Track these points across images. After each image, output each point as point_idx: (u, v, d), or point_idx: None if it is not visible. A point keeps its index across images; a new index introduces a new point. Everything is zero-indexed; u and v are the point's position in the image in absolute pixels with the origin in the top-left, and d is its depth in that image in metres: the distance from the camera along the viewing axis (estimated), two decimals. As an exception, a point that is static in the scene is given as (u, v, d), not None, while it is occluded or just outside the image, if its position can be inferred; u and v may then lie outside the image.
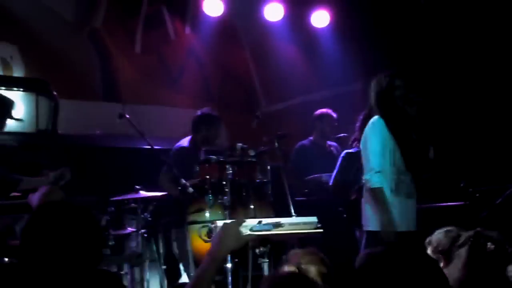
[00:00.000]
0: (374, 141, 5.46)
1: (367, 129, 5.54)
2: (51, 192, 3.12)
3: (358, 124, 6.42)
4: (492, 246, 3.22)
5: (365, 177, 5.46)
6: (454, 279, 3.17)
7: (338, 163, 6.81)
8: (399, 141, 5.45)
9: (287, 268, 3.27)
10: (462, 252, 3.34)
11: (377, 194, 5.37)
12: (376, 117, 5.53)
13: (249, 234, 3.02)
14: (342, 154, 6.79)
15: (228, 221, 3.09)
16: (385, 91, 5.49)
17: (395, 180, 5.42)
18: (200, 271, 2.91)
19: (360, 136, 6.26)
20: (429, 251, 4.43)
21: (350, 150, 6.60)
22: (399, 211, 5.39)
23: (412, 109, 5.48)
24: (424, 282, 1.82)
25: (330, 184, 6.96)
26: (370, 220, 5.53)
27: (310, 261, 3.35)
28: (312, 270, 3.25)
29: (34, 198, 3.12)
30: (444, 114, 8.41)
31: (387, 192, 5.39)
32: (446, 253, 4.32)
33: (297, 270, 3.11)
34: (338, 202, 7.17)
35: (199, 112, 7.35)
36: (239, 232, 3.07)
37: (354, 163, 6.42)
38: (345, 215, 6.94)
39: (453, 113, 8.47)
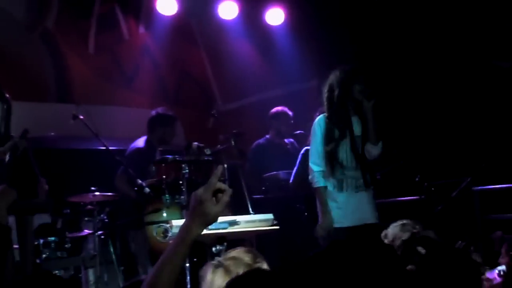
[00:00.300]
0: (315, 141, 5.54)
1: (312, 129, 5.61)
2: (4, 193, 3.06)
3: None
4: (423, 251, 3.24)
5: (309, 177, 5.54)
6: None
7: (298, 160, 6.83)
8: (346, 137, 5.50)
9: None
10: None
11: (318, 194, 5.48)
12: (319, 116, 5.61)
13: (224, 200, 2.44)
14: (302, 151, 6.80)
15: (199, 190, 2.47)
16: (343, 85, 5.53)
17: (338, 177, 5.48)
18: (168, 249, 2.48)
19: None
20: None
21: (309, 147, 6.63)
22: (344, 206, 5.45)
23: (369, 104, 5.52)
24: (376, 271, 1.80)
25: (291, 181, 6.97)
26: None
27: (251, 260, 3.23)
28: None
29: None
30: (398, 108, 8.48)
31: (331, 189, 5.47)
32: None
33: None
34: (296, 199, 7.20)
35: (154, 112, 7.31)
36: (213, 203, 2.47)
37: None
38: (305, 212, 6.97)
39: (407, 108, 8.54)
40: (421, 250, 3.20)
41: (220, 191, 2.46)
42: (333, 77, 5.60)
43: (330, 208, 5.43)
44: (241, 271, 2.78)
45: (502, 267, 4.81)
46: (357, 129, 5.60)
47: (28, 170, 4.69)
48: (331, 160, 5.47)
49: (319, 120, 5.58)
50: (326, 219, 5.44)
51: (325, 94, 5.64)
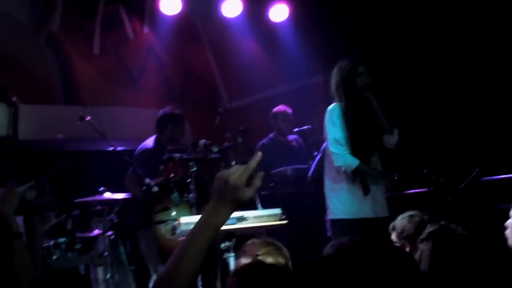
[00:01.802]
0: (332, 129, 5.51)
1: (325, 117, 5.59)
2: (6, 196, 3.07)
3: None
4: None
5: (338, 164, 5.49)
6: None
7: (319, 155, 6.77)
8: (357, 128, 5.50)
9: (244, 260, 3.22)
10: (426, 246, 3.34)
11: (362, 170, 5.45)
12: (333, 104, 5.59)
13: (259, 178, 2.20)
14: (323, 146, 6.73)
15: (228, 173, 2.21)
16: (347, 77, 5.54)
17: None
18: (189, 235, 2.21)
19: None
20: (393, 236, 4.45)
21: None
22: (360, 197, 5.46)
23: (369, 94, 5.54)
24: (397, 273, 1.78)
25: (309, 174, 6.95)
26: (329, 209, 5.61)
27: (267, 252, 3.32)
28: (269, 261, 3.21)
29: None
30: (405, 101, 8.46)
31: (329, 182, 5.51)
32: (411, 238, 4.35)
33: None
34: (305, 195, 7.21)
35: (162, 112, 7.34)
36: (246, 179, 2.22)
37: None
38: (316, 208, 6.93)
39: (414, 100, 8.52)
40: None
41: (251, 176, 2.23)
42: (335, 73, 5.61)
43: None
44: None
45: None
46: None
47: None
48: (351, 148, 5.48)
49: (334, 107, 5.57)
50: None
51: (333, 90, 5.65)
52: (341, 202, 5.51)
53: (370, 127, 5.55)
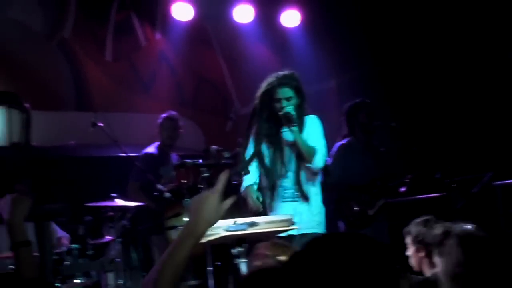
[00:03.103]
0: (322, 136, 5.52)
1: (318, 124, 5.51)
2: (18, 202, 3.07)
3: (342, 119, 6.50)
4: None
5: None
6: (446, 272, 3.13)
7: (331, 160, 6.74)
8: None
9: (257, 263, 3.24)
10: (451, 249, 3.29)
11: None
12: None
13: (228, 202, 2.52)
14: (332, 151, 6.70)
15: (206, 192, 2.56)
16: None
17: None
18: (172, 246, 2.45)
19: (347, 129, 6.34)
20: (408, 240, 4.45)
21: (344, 141, 6.60)
22: None
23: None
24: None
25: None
26: None
27: (277, 251, 3.33)
28: (282, 259, 3.23)
29: (3, 208, 3.07)
30: (417, 106, 8.44)
31: None
32: (426, 243, 4.34)
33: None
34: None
35: (160, 119, 7.41)
36: (218, 202, 2.52)
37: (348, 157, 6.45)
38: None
39: (425, 105, 8.50)
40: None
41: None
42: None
43: None
44: None
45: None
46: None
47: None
48: None
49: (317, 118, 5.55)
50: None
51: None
52: None
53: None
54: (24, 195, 3.06)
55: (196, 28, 9.51)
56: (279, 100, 5.32)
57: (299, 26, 9.76)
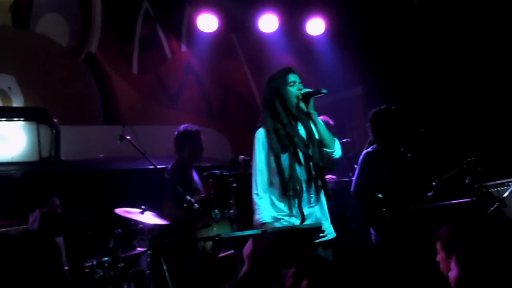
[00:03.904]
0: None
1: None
2: (47, 216, 3.10)
3: (368, 126, 6.46)
4: None
5: None
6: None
7: (357, 168, 6.68)
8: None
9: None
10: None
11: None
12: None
13: None
14: (360, 159, 6.64)
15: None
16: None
17: None
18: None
19: (373, 136, 6.31)
20: (438, 246, 4.42)
21: (369, 149, 6.56)
22: None
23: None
24: None
25: (352, 190, 6.80)
26: None
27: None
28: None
29: (33, 223, 3.11)
30: (445, 110, 8.39)
31: None
32: (456, 249, 4.30)
33: None
34: (343, 207, 7.15)
35: (176, 132, 7.32)
36: None
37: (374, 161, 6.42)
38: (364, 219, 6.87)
39: (454, 109, 8.44)
40: None
41: None
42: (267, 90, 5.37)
43: None
44: None
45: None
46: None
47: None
48: None
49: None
50: None
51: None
52: None
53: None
54: (54, 210, 3.10)
55: (221, 39, 9.55)
56: (293, 84, 5.16)
57: (323, 34, 9.77)
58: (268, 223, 4.82)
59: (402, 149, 6.58)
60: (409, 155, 6.61)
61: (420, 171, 6.54)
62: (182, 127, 7.35)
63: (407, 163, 6.52)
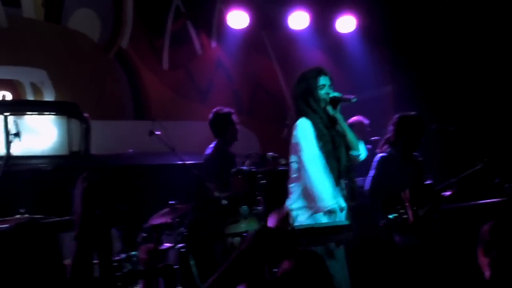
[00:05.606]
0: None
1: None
2: (89, 192, 3.08)
3: (391, 127, 6.42)
4: None
5: None
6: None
7: (374, 167, 6.68)
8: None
9: None
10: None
11: None
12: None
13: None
14: (376, 159, 6.66)
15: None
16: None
17: None
18: None
19: (393, 138, 6.27)
20: (479, 246, 4.39)
21: (383, 154, 6.53)
22: None
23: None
24: None
25: (366, 188, 6.83)
26: None
27: None
28: None
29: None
30: (476, 110, 8.32)
31: None
32: (493, 247, 4.28)
33: None
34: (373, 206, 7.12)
35: (214, 115, 7.26)
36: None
37: (389, 166, 6.39)
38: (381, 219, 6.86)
39: (483, 109, 8.36)
40: None
41: None
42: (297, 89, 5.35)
43: None
44: None
45: None
46: None
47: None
48: None
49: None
50: None
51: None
52: None
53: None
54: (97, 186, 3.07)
55: (251, 35, 9.56)
56: (322, 87, 5.19)
57: (354, 31, 9.73)
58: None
59: (414, 154, 6.57)
60: (420, 159, 6.59)
61: (434, 172, 6.51)
62: (217, 109, 7.30)
63: (419, 166, 6.52)
